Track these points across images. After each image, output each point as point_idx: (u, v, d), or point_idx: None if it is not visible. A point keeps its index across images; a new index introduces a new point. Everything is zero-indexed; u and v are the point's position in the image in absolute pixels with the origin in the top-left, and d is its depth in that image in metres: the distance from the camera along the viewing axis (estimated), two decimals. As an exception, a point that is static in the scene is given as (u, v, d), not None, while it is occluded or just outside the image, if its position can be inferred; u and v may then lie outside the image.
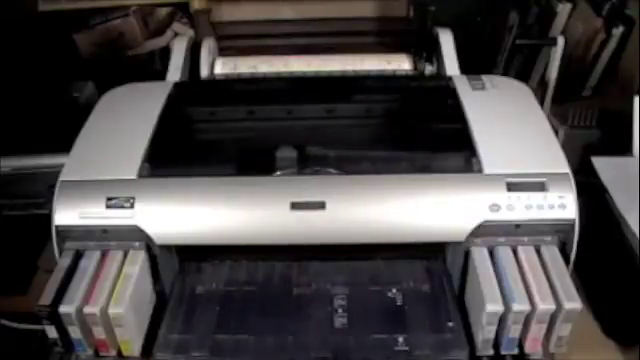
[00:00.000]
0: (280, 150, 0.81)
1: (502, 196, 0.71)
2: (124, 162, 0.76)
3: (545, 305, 0.65)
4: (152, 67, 1.45)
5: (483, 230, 0.70)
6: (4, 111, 1.06)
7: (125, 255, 0.72)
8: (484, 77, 0.91)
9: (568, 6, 1.26)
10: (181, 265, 0.79)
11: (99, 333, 0.67)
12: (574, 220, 0.70)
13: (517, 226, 0.70)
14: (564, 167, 0.73)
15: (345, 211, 0.71)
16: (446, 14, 1.19)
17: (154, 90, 0.91)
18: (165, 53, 1.31)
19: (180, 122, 0.89)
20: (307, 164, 0.79)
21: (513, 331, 0.66)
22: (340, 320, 0.71)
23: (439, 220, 0.71)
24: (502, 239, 0.71)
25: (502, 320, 0.66)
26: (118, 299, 0.67)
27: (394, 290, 0.75)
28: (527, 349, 0.68)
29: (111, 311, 0.66)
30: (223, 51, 1.11)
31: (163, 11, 1.51)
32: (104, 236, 0.72)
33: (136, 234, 0.71)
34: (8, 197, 0.99)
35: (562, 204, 0.70)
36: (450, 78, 0.92)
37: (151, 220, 0.71)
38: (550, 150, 0.77)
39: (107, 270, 0.70)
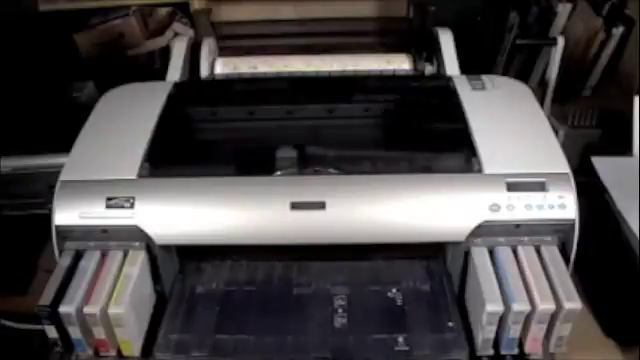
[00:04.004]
0: (280, 150, 0.81)
1: (502, 196, 0.71)
2: (124, 162, 0.76)
3: (545, 305, 0.65)
4: (152, 67, 1.45)
5: (483, 230, 0.70)
6: (4, 111, 1.06)
7: (125, 255, 0.72)
8: (484, 77, 0.91)
9: (568, 6, 1.26)
10: (181, 265, 0.79)
11: (99, 333, 0.67)
12: (574, 220, 0.70)
13: (517, 226, 0.70)
14: (564, 167, 0.73)
15: (345, 211, 0.71)
16: (446, 14, 1.20)
17: (154, 90, 0.91)
18: (165, 53, 1.31)
19: (180, 122, 0.89)
20: (307, 164, 0.79)
21: (513, 331, 0.66)
22: (340, 320, 0.71)
23: (439, 220, 0.71)
24: (502, 239, 0.71)
25: (502, 320, 0.66)
26: (118, 299, 0.67)
27: (394, 290, 0.75)
28: (527, 349, 0.68)
29: (111, 311, 0.66)
30: (223, 51, 1.11)
31: (163, 11, 1.51)
32: (104, 236, 0.72)
33: (136, 234, 0.71)
34: (8, 197, 0.99)
35: (562, 204, 0.70)
36: (450, 78, 0.92)
37: (151, 220, 0.71)
38: (550, 150, 0.76)
39: (107, 270, 0.70)
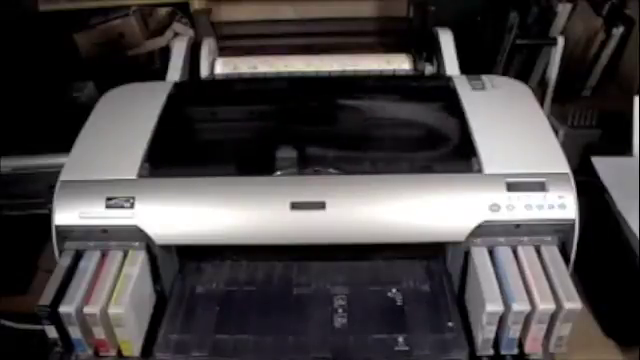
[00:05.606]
0: (280, 150, 0.81)
1: (502, 196, 0.71)
2: (124, 162, 0.76)
3: (545, 305, 0.65)
4: (152, 67, 1.46)
5: (483, 230, 0.70)
6: (4, 111, 1.06)
7: (125, 255, 0.72)
8: (484, 77, 0.91)
9: (568, 6, 1.26)
10: (181, 265, 0.79)
11: (99, 333, 0.67)
12: (574, 220, 0.70)
13: (517, 226, 0.70)
14: (564, 167, 0.73)
15: (345, 211, 0.71)
16: (446, 14, 1.20)
17: (154, 90, 0.91)
18: (165, 53, 1.31)
19: (180, 122, 0.89)
20: (307, 164, 0.79)
21: (513, 331, 0.66)
22: (340, 320, 0.71)
23: (439, 220, 0.71)
24: (502, 239, 0.71)
25: (502, 320, 0.66)
26: (118, 299, 0.67)
27: (394, 290, 0.75)
28: (527, 349, 0.68)
29: (111, 311, 0.66)
30: (223, 51, 1.11)
31: (163, 11, 1.52)
32: (104, 236, 0.72)
33: (136, 234, 0.71)
34: (8, 197, 0.99)
35: (562, 204, 0.70)
36: (450, 78, 0.92)
37: (151, 220, 0.71)
38: (550, 150, 0.76)
39: (107, 270, 0.70)
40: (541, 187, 0.71)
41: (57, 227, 0.72)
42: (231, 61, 1.04)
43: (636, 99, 0.95)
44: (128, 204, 0.71)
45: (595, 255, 0.80)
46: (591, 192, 0.82)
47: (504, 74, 1.24)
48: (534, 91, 0.89)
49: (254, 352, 0.68)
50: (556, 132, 0.99)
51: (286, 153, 0.81)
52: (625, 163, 0.91)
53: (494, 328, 0.67)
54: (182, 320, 0.72)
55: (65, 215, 0.72)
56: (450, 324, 0.71)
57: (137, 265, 0.71)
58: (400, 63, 1.02)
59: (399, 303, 0.73)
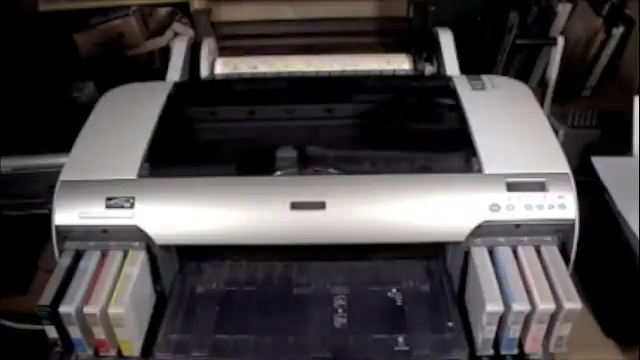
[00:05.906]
0: (280, 150, 0.81)
1: (502, 196, 0.71)
2: (124, 162, 0.76)
3: (545, 305, 0.65)
4: (152, 67, 1.46)
5: (483, 230, 0.70)
6: (4, 111, 1.06)
7: (125, 255, 0.72)
8: (484, 77, 0.91)
9: (568, 6, 1.26)
10: (181, 265, 0.79)
11: (99, 333, 0.67)
12: (574, 220, 0.70)
13: (517, 226, 0.70)
14: (564, 167, 0.73)
15: (345, 211, 0.71)
16: (446, 14, 1.20)
17: (154, 90, 0.91)
18: (165, 53, 1.31)
19: (180, 122, 0.89)
20: (307, 164, 0.79)
21: (513, 331, 0.66)
22: (340, 320, 0.71)
23: (439, 220, 0.71)
24: (502, 239, 0.71)
25: (502, 320, 0.66)
26: (118, 299, 0.67)
27: (394, 290, 0.75)
28: (527, 349, 0.68)
29: (111, 311, 0.66)
30: (223, 51, 1.11)
31: (163, 11, 1.52)
32: (104, 236, 0.72)
33: (136, 234, 0.71)
34: (8, 197, 0.99)
35: (562, 204, 0.70)
36: (450, 78, 0.92)
37: (151, 220, 0.71)
38: (550, 150, 0.76)
39: (107, 270, 0.70)
40: (541, 187, 0.71)
41: (57, 227, 0.72)
42: (231, 61, 1.04)
43: (636, 99, 0.95)
44: (128, 204, 0.71)
45: (595, 255, 0.80)
46: (591, 192, 0.82)
47: (504, 74, 1.24)
48: (534, 91, 0.89)
49: (254, 352, 0.68)
50: (556, 132, 0.99)
51: (286, 153, 0.81)
52: (625, 163, 0.91)
53: (494, 328, 0.67)
54: (182, 320, 0.72)
55: (65, 215, 0.72)
56: (450, 324, 0.71)
57: (137, 265, 0.71)
58: (400, 63, 1.02)
59: (399, 303, 0.73)
